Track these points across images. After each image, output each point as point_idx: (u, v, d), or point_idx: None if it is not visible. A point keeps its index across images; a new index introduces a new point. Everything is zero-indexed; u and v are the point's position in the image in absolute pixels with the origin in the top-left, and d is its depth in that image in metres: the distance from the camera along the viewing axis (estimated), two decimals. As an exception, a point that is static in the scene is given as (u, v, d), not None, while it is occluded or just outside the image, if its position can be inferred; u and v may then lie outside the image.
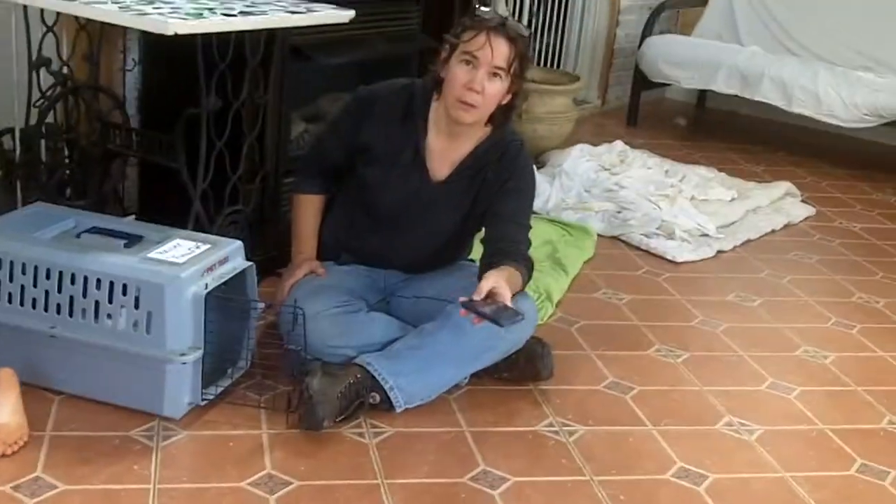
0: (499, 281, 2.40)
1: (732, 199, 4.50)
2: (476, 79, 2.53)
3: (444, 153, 2.69)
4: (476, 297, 2.35)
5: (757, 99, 5.49)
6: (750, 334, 3.28)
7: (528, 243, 2.70)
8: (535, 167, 2.86)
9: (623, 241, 4.00)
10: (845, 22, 5.77)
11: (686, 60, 5.68)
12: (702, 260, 3.89)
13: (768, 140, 5.84)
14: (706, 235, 4.07)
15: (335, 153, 2.77)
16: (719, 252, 3.99)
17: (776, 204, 4.62)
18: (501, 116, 2.66)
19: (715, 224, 4.15)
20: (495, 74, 2.54)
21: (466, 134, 2.67)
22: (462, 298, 2.36)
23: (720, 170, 4.94)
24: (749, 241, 4.17)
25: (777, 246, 4.18)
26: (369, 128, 2.68)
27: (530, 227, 2.74)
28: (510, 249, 2.62)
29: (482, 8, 2.68)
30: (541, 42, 5.89)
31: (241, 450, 2.32)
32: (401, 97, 2.69)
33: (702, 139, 5.82)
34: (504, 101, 2.62)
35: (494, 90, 2.56)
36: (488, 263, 2.57)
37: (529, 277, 2.66)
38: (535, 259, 3.49)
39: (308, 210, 2.82)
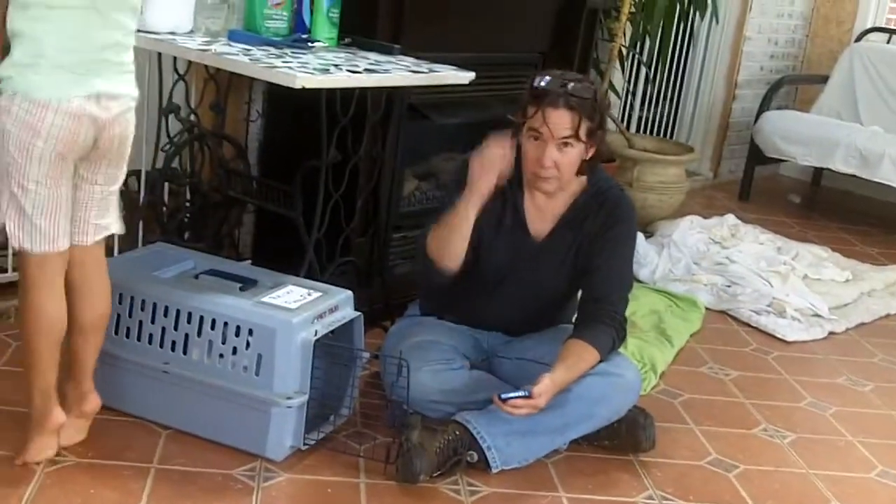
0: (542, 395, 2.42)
1: (847, 280, 4.40)
2: (545, 154, 2.52)
3: (542, 210, 2.70)
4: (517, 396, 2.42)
5: (876, 180, 5.37)
6: (860, 419, 3.18)
7: (625, 302, 2.67)
8: (638, 229, 2.83)
9: (731, 316, 3.93)
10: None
11: (803, 137, 5.59)
12: (813, 340, 3.80)
13: (884, 222, 5.71)
14: (818, 316, 3.98)
15: None
16: (831, 333, 3.90)
17: (891, 288, 4.49)
18: (589, 167, 2.64)
19: (828, 305, 4.06)
20: (565, 144, 2.53)
21: (560, 190, 2.67)
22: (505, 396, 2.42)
23: (834, 250, 4.84)
24: (862, 324, 4.06)
25: (891, 331, 4.06)
26: None
27: (630, 281, 2.72)
28: (600, 314, 2.59)
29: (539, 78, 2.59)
30: (655, 112, 5.88)
31: (338, 496, 2.34)
32: None
33: (816, 218, 5.72)
34: (587, 157, 2.59)
35: (569, 158, 2.54)
36: (574, 332, 2.59)
37: (621, 340, 2.63)
38: (640, 329, 3.51)
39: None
